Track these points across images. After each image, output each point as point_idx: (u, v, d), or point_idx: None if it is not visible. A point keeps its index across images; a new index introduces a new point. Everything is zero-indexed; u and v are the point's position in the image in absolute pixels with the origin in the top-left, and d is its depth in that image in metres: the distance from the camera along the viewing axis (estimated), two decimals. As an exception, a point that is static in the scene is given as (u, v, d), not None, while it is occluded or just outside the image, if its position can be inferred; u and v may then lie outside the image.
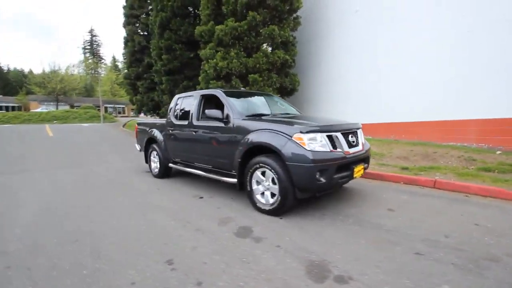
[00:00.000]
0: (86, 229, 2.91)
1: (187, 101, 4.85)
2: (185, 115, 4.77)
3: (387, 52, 8.23)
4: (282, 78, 10.24)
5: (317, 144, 2.96)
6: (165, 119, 5.46)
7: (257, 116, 3.78)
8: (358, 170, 3.34)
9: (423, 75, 7.08)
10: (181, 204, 3.75)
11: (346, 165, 3.18)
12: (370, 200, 3.67)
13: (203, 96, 4.52)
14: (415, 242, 2.45)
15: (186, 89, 13.01)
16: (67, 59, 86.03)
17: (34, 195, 4.25)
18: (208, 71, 9.84)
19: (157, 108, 15.96)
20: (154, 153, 5.54)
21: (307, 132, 2.97)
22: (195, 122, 4.41)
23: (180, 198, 4.04)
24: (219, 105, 4.30)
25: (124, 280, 1.96)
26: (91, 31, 53.04)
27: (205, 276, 2.00)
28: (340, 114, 9.42)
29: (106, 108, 47.86)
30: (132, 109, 61.12)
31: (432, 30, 6.85)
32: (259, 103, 4.46)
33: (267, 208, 3.21)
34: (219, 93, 4.16)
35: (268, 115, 3.96)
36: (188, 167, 4.75)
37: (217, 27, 9.90)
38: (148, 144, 5.80)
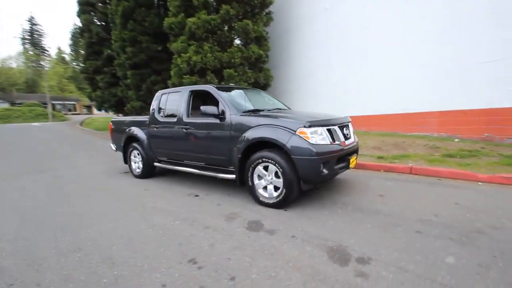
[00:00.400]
0: (85, 237, 2.70)
1: (173, 97, 4.67)
2: (172, 111, 4.60)
3: (357, 49, 8.75)
4: (256, 73, 10.30)
5: (319, 137, 3.10)
6: (146, 116, 5.21)
7: (253, 112, 3.80)
8: (353, 160, 3.58)
9: (390, 72, 7.69)
10: (178, 204, 3.65)
11: (343, 157, 3.39)
12: (359, 188, 3.95)
13: (192, 91, 4.40)
14: (412, 223, 2.74)
15: (154, 84, 12.41)
16: (3, 50, 75.61)
17: (6, 207, 3.78)
18: (181, 66, 9.50)
19: (121, 105, 14.95)
20: (135, 152, 5.26)
21: (310, 126, 3.10)
22: (185, 119, 4.28)
23: (175, 198, 3.93)
24: (210, 101, 4.24)
25: (153, 284, 1.90)
26: (30, 20, 47.32)
27: (234, 271, 2.03)
28: (312, 109, 9.84)
29: (53, 105, 43.32)
30: (85, 106, 56.41)
31: (398, 30, 7.45)
32: (249, 98, 4.47)
33: (271, 201, 3.29)
34: (211, 88, 4.09)
35: (263, 110, 4.01)
36: (176, 166, 4.61)
37: (188, 19, 9.57)
38: (127, 143, 5.47)
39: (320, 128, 3.16)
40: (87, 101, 53.63)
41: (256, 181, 3.42)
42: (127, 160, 5.53)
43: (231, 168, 3.77)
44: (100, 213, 3.39)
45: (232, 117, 3.65)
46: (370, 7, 8.23)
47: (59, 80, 48.53)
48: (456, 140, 6.22)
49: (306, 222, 2.85)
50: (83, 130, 17.83)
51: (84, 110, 55.68)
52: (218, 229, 2.79)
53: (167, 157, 4.81)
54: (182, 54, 9.59)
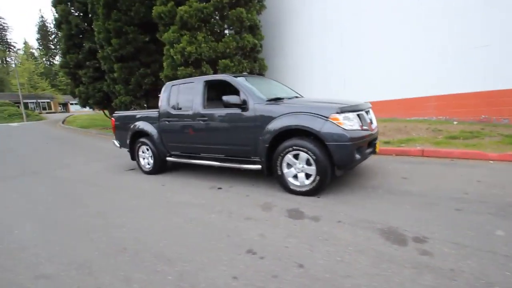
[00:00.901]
0: (123, 236, 2.59)
1: (185, 89, 4.51)
2: (185, 104, 4.44)
3: (352, 37, 8.80)
4: (251, 63, 10.14)
5: (351, 123, 3.11)
6: (155, 110, 5.01)
7: (275, 100, 3.74)
8: (378, 145, 3.64)
9: (387, 59, 7.82)
10: (205, 197, 3.57)
11: (371, 141, 3.44)
12: (381, 172, 4.04)
13: (207, 82, 4.26)
14: (447, 201, 2.84)
15: (144, 77, 11.93)
16: (-39, 45, 69.44)
17: (17, 213, 3.53)
18: (175, 57, 9.15)
19: (107, 100, 14.26)
20: (144, 148, 5.07)
21: (342, 112, 3.10)
22: (202, 111, 4.15)
23: (198, 192, 3.83)
24: (226, 91, 4.13)
25: (223, 276, 1.85)
26: (-7, 11, 43.57)
27: (299, 258, 2.01)
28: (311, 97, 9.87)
29: (26, 104, 40.69)
30: (60, 104, 53.33)
31: (393, 18, 7.55)
32: (266, 86, 4.39)
33: (304, 189, 3.28)
34: (230, 78, 3.97)
35: (283, 99, 3.95)
36: (192, 159, 4.49)
37: (180, 8, 9.19)
38: (134, 139, 5.24)
39: (351, 113, 3.17)
40: (62, 98, 50.99)
41: (285, 170, 3.40)
42: (134, 156, 5.31)
43: (256, 159, 3.72)
44: (124, 211, 3.25)
45: (256, 106, 3.57)
46: (365, -6, 8.26)
47: (30, 77, 45.50)
48: (455, 122, 6.49)
49: (345, 207, 2.88)
50: (67, 129, 16.95)
51: (60, 108, 52.82)
52: (260, 219, 2.76)
53: (181, 151, 4.67)
54: (175, 44, 9.24)
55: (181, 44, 9.01)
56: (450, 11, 6.48)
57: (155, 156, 4.90)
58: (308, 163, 3.22)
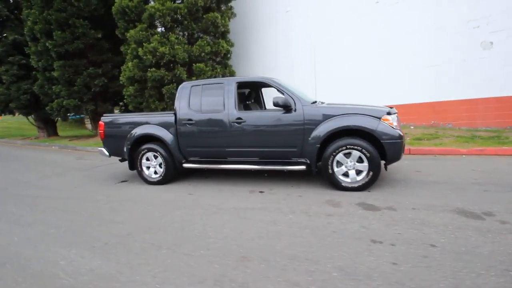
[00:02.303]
0: (219, 246, 2.34)
1: (211, 90, 4.27)
2: (213, 106, 4.19)
3: (320, 51, 9.69)
4: (223, 69, 10.08)
5: (396, 123, 3.55)
6: (166, 113, 4.57)
7: (314, 103, 3.92)
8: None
9: (356, 73, 8.87)
10: (258, 201, 3.45)
11: (402, 140, 3.97)
12: (394, 168, 4.62)
13: (239, 83, 4.15)
14: (471, 186, 3.48)
15: (94, 78, 10.45)
16: None
17: (43, 239, 2.72)
18: (145, 57, 8.36)
19: (36, 104, 11.80)
20: (150, 155, 4.53)
21: (389, 114, 3.51)
22: (237, 113, 4.00)
23: (242, 197, 3.67)
24: (258, 94, 4.12)
25: (383, 264, 1.91)
26: None
27: (425, 241, 2.22)
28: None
29: None
30: None
31: (362, 31, 8.67)
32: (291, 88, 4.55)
33: (355, 185, 3.53)
34: (270, 80, 3.99)
35: (317, 101, 4.15)
36: (214, 164, 4.25)
37: (149, 5, 8.56)
38: (136, 145, 4.62)
39: (394, 115, 3.61)
40: None
41: (336, 168, 3.60)
42: (136, 165, 4.66)
43: (302, 160, 3.82)
44: (198, 224, 2.89)
45: (305, 108, 3.69)
46: (330, 12, 9.25)
47: None
48: (412, 127, 7.87)
49: (402, 197, 3.24)
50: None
51: None
52: (341, 214, 2.87)
53: (204, 156, 4.36)
54: (144, 44, 8.46)
55: (152, 44, 8.32)
56: (409, 38, 7.86)
57: (168, 164, 4.43)
58: (359, 160, 3.51)
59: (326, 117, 3.60)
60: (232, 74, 10.54)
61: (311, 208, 3.10)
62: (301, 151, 3.77)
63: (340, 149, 3.51)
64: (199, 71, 8.91)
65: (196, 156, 4.42)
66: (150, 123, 4.58)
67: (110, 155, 4.97)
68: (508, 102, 6.42)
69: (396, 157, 3.47)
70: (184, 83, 4.54)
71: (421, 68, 7.61)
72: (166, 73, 8.67)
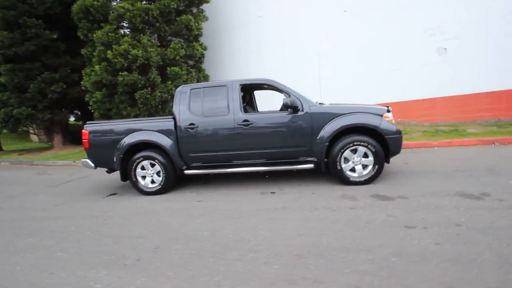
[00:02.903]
0: (301, 246, 2.31)
1: (213, 93, 4.18)
2: (216, 109, 4.10)
3: (290, 56, 10.05)
4: (197, 73, 9.86)
5: (394, 120, 3.88)
6: (162, 118, 4.35)
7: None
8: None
9: (331, 77, 9.36)
10: (272, 202, 3.46)
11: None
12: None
13: (243, 86, 4.13)
14: (458, 173, 3.97)
15: (50, 84, 9.39)
16: None
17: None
18: (115, 60, 7.77)
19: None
20: (146, 163, 4.23)
21: (388, 112, 3.82)
22: (243, 115, 3.98)
23: (254, 199, 3.65)
24: (251, 96, 4.13)
25: (430, 245, 2.09)
26: None
27: (450, 221, 2.47)
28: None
29: None
30: None
31: (333, 38, 9.21)
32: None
33: (362, 179, 3.76)
34: (275, 82, 4.06)
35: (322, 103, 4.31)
36: (219, 168, 4.16)
37: (118, 5, 8.03)
38: (129, 154, 4.29)
39: (391, 113, 3.94)
40: None
41: (343, 164, 3.80)
42: (129, 175, 4.31)
43: (309, 158, 3.94)
44: (206, 231, 2.80)
45: (312, 108, 3.83)
46: (302, 19, 9.69)
47: None
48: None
49: (406, 187, 3.54)
50: None
51: None
52: (362, 206, 3.03)
53: (207, 161, 4.22)
54: (114, 46, 7.87)
55: (122, 46, 7.80)
56: (374, 44, 8.58)
57: (168, 172, 4.19)
58: (364, 156, 3.75)
59: (332, 116, 3.78)
60: (206, 78, 10.35)
61: (331, 204, 3.22)
62: (309, 150, 3.89)
63: (348, 146, 3.71)
64: (174, 75, 8.61)
65: (199, 162, 4.26)
66: (145, 129, 4.30)
67: (96, 166, 4.52)
68: (461, 100, 7.43)
69: (397, 151, 3.80)
70: (181, 86, 4.36)
71: (387, 72, 8.38)
72: (139, 77, 8.18)
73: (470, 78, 7.24)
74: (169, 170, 4.21)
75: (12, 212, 4.10)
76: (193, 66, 9.81)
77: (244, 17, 10.82)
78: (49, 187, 5.66)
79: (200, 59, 9.81)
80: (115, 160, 4.33)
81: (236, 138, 4.02)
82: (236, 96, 4.05)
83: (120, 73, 7.92)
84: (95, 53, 8.13)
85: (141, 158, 4.23)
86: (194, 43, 9.34)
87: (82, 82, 8.99)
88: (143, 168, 4.28)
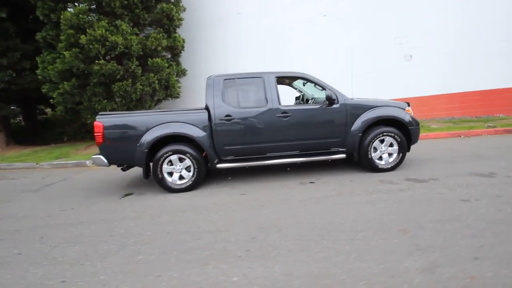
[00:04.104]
0: (352, 233, 2.46)
1: (247, 84, 4.14)
2: (252, 100, 4.06)
3: (270, 52, 10.28)
4: (177, 66, 9.33)
5: (412, 113, 4.40)
6: (191, 109, 4.10)
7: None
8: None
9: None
10: (321, 191, 3.60)
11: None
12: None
13: (278, 78, 4.17)
14: (459, 158, 4.73)
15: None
16: None
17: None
18: (91, 46, 6.82)
19: None
20: (174, 158, 3.92)
21: (409, 106, 4.33)
22: (282, 107, 4.01)
23: (301, 189, 3.75)
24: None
25: (492, 214, 2.52)
26: None
27: (493, 195, 2.98)
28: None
29: None
30: None
31: (313, 40, 9.72)
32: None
33: (389, 166, 4.18)
34: (309, 76, 4.21)
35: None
36: (254, 161, 4.13)
37: (92, -16, 7.05)
38: (154, 149, 3.91)
39: (410, 107, 4.46)
40: None
41: (373, 153, 4.17)
42: (153, 172, 3.93)
43: (342, 149, 4.20)
44: (291, 218, 2.82)
45: (346, 101, 4.09)
46: (281, 19, 10.01)
47: None
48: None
49: (426, 170, 4.08)
50: None
51: None
52: (410, 187, 3.42)
53: (241, 153, 4.12)
54: (88, 30, 6.90)
55: (99, 31, 6.92)
56: (351, 49, 9.39)
57: (200, 166, 3.96)
58: (390, 145, 4.19)
59: (365, 109, 4.12)
60: (183, 72, 9.85)
61: (378, 187, 3.52)
62: (343, 141, 4.16)
63: (378, 136, 4.09)
64: (157, 67, 7.99)
65: (232, 155, 4.13)
66: (174, 121, 3.97)
67: (110, 163, 3.99)
68: (422, 101, 8.71)
69: (416, 141, 4.33)
70: (212, 76, 4.15)
71: (361, 75, 9.29)
72: (119, 66, 7.36)
73: (429, 82, 8.57)
74: (201, 164, 3.98)
75: (19, 222, 3.33)
76: (172, 59, 9.24)
77: (223, 13, 10.62)
78: (26, 192, 4.72)
79: (179, 52, 9.29)
80: (137, 155, 3.90)
81: (274, 130, 4.04)
82: (274, 88, 4.07)
83: (96, 61, 6.99)
84: (62, 37, 6.98)
85: (170, 153, 3.90)
86: (175, 34, 8.82)
87: (37, 71, 7.63)
88: (170, 163, 3.95)
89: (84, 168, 6.57)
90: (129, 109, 7.89)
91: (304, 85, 4.90)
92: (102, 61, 7.00)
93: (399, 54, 8.74)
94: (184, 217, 3.07)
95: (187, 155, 3.92)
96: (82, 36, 6.81)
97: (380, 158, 4.20)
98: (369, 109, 4.13)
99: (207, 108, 4.03)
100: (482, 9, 7.99)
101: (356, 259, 1.97)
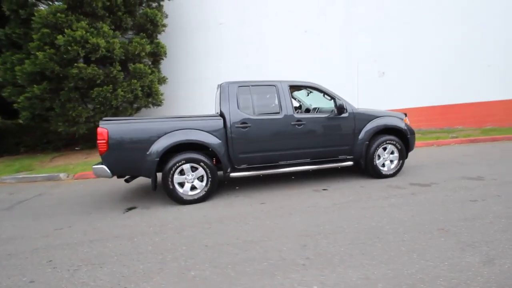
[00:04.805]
0: (397, 236, 2.58)
1: (261, 92, 4.14)
2: (267, 108, 4.06)
3: (252, 63, 10.42)
4: (158, 73, 8.94)
5: (409, 123, 4.78)
6: (213, 115, 3.98)
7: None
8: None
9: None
10: (337, 197, 3.69)
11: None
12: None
13: (290, 86, 4.23)
14: (449, 163, 5.23)
15: None
16: None
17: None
18: (69, 48, 6.21)
19: None
20: (186, 167, 3.71)
21: (406, 116, 4.70)
22: (296, 115, 4.07)
23: (318, 196, 3.80)
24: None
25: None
26: None
27: (494, 194, 3.35)
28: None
29: None
30: None
31: (295, 54, 10.09)
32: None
33: (391, 172, 4.46)
34: (321, 86, 4.34)
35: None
36: (267, 169, 4.10)
37: (72, -19, 6.51)
38: (165, 158, 3.66)
39: (407, 117, 4.83)
40: None
41: (377, 161, 4.41)
42: (164, 183, 3.66)
43: (348, 157, 4.37)
44: (347, 223, 2.84)
45: (354, 110, 4.31)
46: (264, 32, 10.29)
47: None
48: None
49: (424, 176, 4.43)
50: None
51: None
52: (419, 191, 3.68)
53: (254, 162, 4.05)
54: (66, 30, 6.29)
55: (78, 32, 6.38)
56: (329, 64, 9.96)
57: (214, 175, 3.80)
58: (391, 152, 4.49)
59: (370, 118, 4.38)
60: (163, 80, 9.46)
61: (392, 192, 3.73)
62: (351, 149, 4.34)
63: (382, 144, 4.36)
64: (139, 72, 7.58)
65: (246, 163, 4.04)
66: (186, 128, 3.77)
67: (113, 174, 3.62)
68: (394, 113, 9.53)
69: (412, 148, 4.70)
70: (225, 82, 4.05)
71: (341, 87, 9.85)
72: (99, 70, 6.81)
73: (398, 96, 9.44)
74: (215, 173, 3.81)
75: (8, 245, 2.80)
76: (153, 66, 8.84)
77: (205, 21, 10.55)
78: (-2, 210, 4.03)
79: (161, 59, 8.95)
80: (146, 165, 3.60)
81: (289, 138, 4.07)
82: (288, 96, 4.13)
83: (75, 64, 6.38)
84: (35, 36, 6.25)
85: (183, 161, 3.67)
86: (158, 40, 8.50)
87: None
88: (183, 173, 3.72)
89: (58, 182, 5.83)
90: (107, 116, 7.28)
91: (307, 95, 5.05)
92: (81, 64, 6.41)
93: (374, 70, 9.53)
94: (213, 229, 2.89)
95: (201, 163, 3.73)
96: (59, 36, 6.18)
97: (383, 165, 4.47)
98: (374, 118, 4.40)
99: (221, 115, 3.92)
100: (437, 36, 9.17)
101: (419, 259, 2.05)
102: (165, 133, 3.68)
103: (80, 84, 6.61)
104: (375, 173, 4.41)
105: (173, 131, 3.71)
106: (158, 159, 3.60)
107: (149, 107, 8.70)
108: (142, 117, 3.87)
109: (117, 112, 7.48)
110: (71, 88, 6.66)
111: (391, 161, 4.50)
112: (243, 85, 4.07)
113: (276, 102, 4.08)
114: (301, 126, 4.08)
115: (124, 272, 2.14)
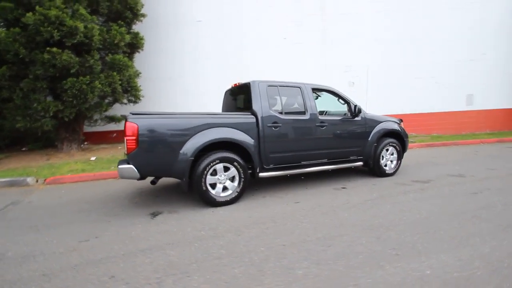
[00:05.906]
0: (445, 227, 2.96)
1: (288, 92, 4.21)
2: (294, 108, 4.14)
3: (230, 62, 10.31)
4: (133, 68, 8.17)
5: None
6: (245, 113, 3.88)
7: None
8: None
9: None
10: (360, 195, 3.92)
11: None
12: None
13: (313, 89, 4.39)
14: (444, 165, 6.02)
15: None
16: None
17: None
18: (42, 28, 5.25)
19: None
20: (219, 167, 3.55)
21: (401, 121, 5.30)
22: (320, 116, 4.24)
23: (339, 194, 4.03)
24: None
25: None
26: None
27: (492, 188, 4.03)
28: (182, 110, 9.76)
29: None
30: None
31: (273, 60, 10.31)
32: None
33: (391, 171, 4.97)
34: (338, 90, 4.58)
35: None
36: (292, 169, 4.19)
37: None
38: (201, 156, 3.44)
39: (402, 122, 5.42)
40: None
41: (381, 161, 4.88)
42: (196, 184, 3.42)
43: (359, 157, 4.73)
44: (396, 218, 3.07)
45: (365, 114, 4.69)
46: (243, 35, 10.31)
47: None
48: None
49: (420, 174, 5.04)
50: None
51: None
52: (426, 188, 4.21)
53: (281, 161, 4.07)
54: (37, 7, 5.31)
55: (53, 11, 5.50)
56: (306, 74, 10.48)
57: (246, 175, 3.70)
58: (391, 154, 5.02)
59: (377, 123, 4.83)
60: (137, 74, 8.67)
61: (405, 188, 4.17)
62: (362, 150, 4.71)
63: (386, 146, 4.85)
64: (118, 64, 6.83)
65: (274, 163, 4.03)
66: (221, 125, 3.59)
67: (142, 175, 3.23)
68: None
69: (406, 150, 5.32)
70: (256, 80, 3.98)
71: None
72: (76, 58, 5.91)
73: (362, 104, 10.49)
74: (247, 173, 3.71)
75: (29, 264, 2.22)
76: (129, 58, 8.04)
77: (182, 18, 10.05)
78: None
79: (137, 51, 8.21)
80: (179, 165, 3.31)
81: (313, 138, 4.22)
82: (312, 98, 4.28)
83: (48, 48, 5.42)
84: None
85: (217, 161, 3.49)
86: (137, 31, 7.80)
87: None
88: (216, 173, 3.52)
89: (26, 188, 4.86)
90: (80, 112, 6.35)
91: (316, 99, 5.28)
92: (55, 49, 5.47)
93: (345, 80, 10.41)
94: (273, 229, 2.82)
95: (235, 163, 3.60)
96: (29, 14, 5.17)
97: (385, 165, 4.96)
98: (380, 122, 4.87)
99: (253, 113, 3.84)
100: (402, 53, 10.59)
101: (483, 240, 2.39)
102: (200, 130, 3.45)
103: (51, 72, 5.62)
104: (380, 172, 4.86)
105: (208, 128, 3.50)
106: (193, 158, 3.34)
107: (124, 103, 7.86)
108: (173, 112, 3.51)
109: (90, 107, 6.57)
110: (37, 76, 5.61)
111: (391, 161, 5.02)
112: (272, 85, 4.07)
113: (302, 103, 4.20)
114: (324, 128, 4.28)
115: (222, 278, 1.96)
